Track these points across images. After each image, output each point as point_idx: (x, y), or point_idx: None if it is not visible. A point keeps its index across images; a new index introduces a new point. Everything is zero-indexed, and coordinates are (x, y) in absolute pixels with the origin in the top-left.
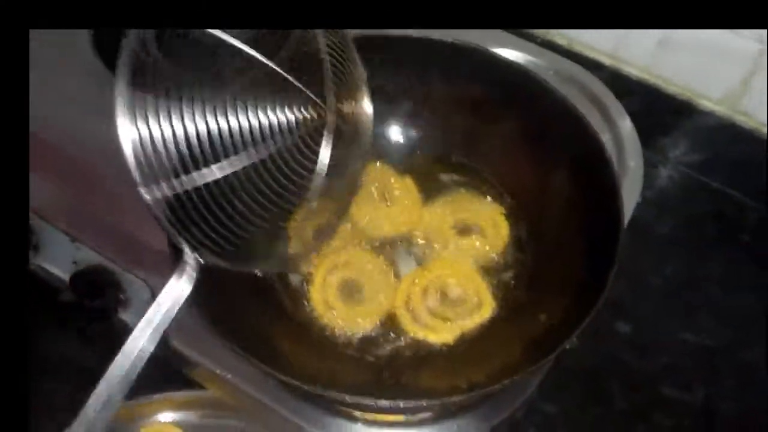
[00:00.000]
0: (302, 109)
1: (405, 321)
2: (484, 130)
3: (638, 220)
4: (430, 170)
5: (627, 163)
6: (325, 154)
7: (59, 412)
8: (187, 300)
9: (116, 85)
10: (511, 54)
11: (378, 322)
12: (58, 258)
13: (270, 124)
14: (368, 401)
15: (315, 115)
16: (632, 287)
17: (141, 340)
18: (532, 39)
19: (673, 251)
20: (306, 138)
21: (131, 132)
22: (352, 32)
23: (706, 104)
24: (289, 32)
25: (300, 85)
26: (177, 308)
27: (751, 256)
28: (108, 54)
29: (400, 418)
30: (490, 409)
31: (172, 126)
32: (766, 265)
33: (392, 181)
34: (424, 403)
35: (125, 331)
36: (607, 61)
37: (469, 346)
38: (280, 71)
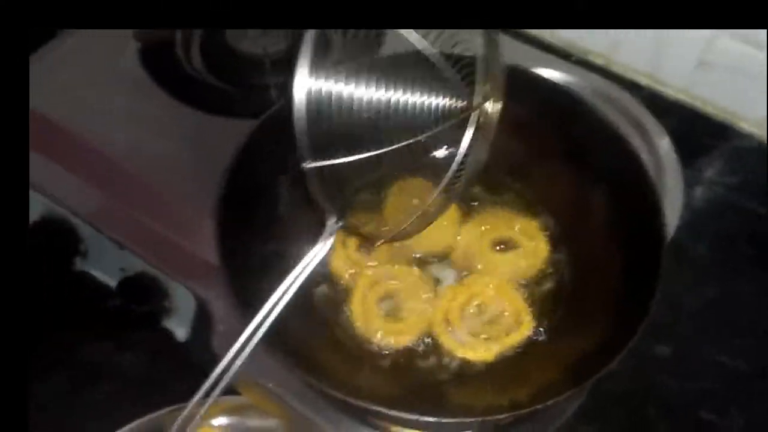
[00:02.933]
0: (454, 103)
1: (444, 338)
2: (524, 149)
3: (675, 240)
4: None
5: (667, 183)
6: (464, 144)
7: (101, 418)
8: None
9: (298, 61)
10: (547, 73)
11: (417, 338)
12: (106, 264)
13: (422, 114)
14: (410, 416)
15: (462, 109)
16: (670, 309)
17: (285, 293)
18: (567, 58)
19: (709, 273)
20: (448, 132)
21: (303, 106)
22: None
23: (744, 126)
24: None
25: (459, 80)
26: (315, 265)
27: None
28: (155, 67)
29: None
30: (528, 429)
31: (338, 106)
32: None
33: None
34: (465, 420)
35: (169, 339)
36: (644, 81)
37: (509, 364)
38: (443, 64)
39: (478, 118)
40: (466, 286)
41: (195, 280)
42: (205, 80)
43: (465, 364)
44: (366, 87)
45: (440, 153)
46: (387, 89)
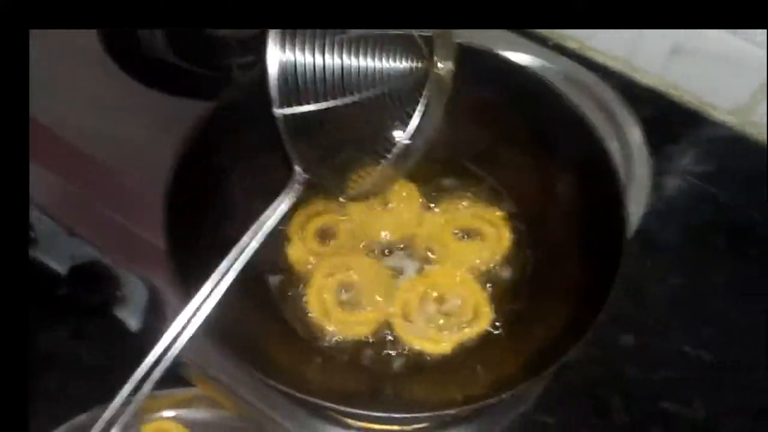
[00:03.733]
0: (412, 60)
1: (401, 330)
2: (489, 135)
3: (643, 230)
4: (432, 175)
5: (635, 172)
6: (423, 101)
7: (55, 407)
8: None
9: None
10: (519, 57)
11: (374, 329)
12: (56, 251)
13: (383, 68)
14: (362, 412)
15: (421, 67)
16: (636, 299)
17: (252, 240)
18: (542, 42)
19: (678, 263)
20: (408, 90)
21: (277, 56)
22: None
23: (717, 115)
24: None
25: (418, 38)
26: (282, 214)
27: (758, 270)
28: (116, 47)
29: (395, 427)
30: (487, 420)
31: (305, 57)
32: None
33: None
34: (418, 415)
35: (122, 328)
36: (618, 66)
37: (467, 356)
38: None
39: (432, 77)
40: (425, 276)
41: (147, 268)
42: (168, 61)
43: (421, 356)
44: (335, 49)
45: (399, 110)
46: (354, 51)
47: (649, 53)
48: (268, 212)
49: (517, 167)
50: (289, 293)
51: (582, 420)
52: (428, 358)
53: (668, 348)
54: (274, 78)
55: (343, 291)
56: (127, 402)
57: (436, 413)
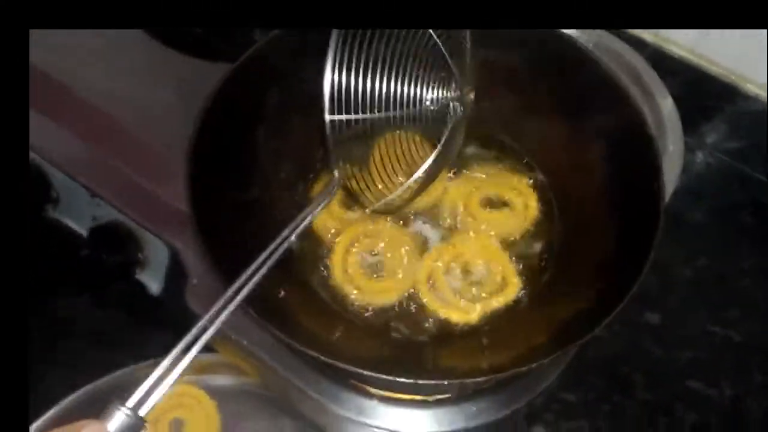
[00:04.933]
0: (443, 88)
1: (427, 298)
2: (517, 102)
3: (671, 207)
4: None
5: (666, 146)
6: (450, 125)
7: (73, 372)
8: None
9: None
10: None
11: (399, 298)
12: (77, 212)
13: (419, 93)
14: (387, 377)
15: (449, 95)
16: (662, 277)
17: (292, 234)
18: None
19: (706, 241)
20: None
21: (331, 74)
22: None
23: (751, 89)
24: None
25: (454, 70)
26: (321, 208)
27: None
28: None
29: (418, 397)
30: (510, 393)
31: (357, 76)
32: None
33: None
34: (443, 382)
35: (142, 292)
36: (649, 38)
37: (493, 327)
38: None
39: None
40: (452, 245)
41: (168, 230)
42: None
43: (447, 325)
44: (380, 72)
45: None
46: (396, 76)
47: None
48: (306, 211)
49: (546, 136)
50: (313, 259)
51: (604, 397)
52: (454, 326)
53: (694, 327)
54: (328, 87)
55: (368, 258)
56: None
57: (460, 381)
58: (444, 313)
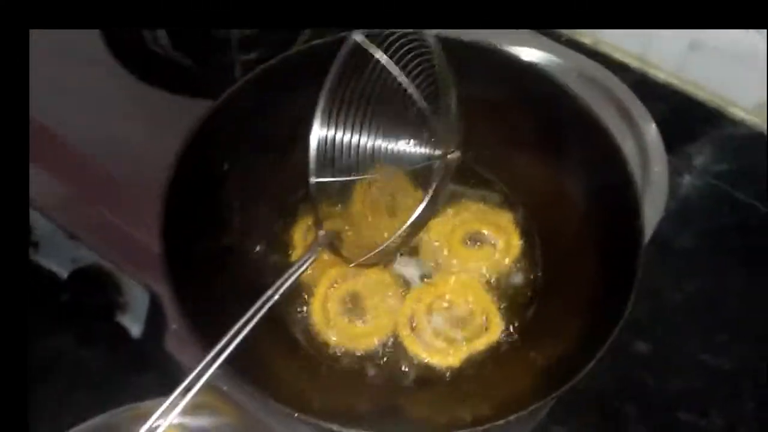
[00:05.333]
0: (430, 146)
1: (408, 342)
2: (499, 137)
3: (659, 231)
4: None
5: (651, 172)
6: (432, 185)
7: (57, 415)
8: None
9: (322, 92)
10: (533, 54)
11: (379, 342)
12: (57, 254)
13: (405, 150)
14: None
15: (434, 153)
16: (652, 304)
17: (276, 293)
18: (556, 38)
19: (695, 266)
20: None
21: (318, 132)
22: None
23: (737, 113)
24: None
25: (441, 130)
26: (306, 267)
27: None
28: (119, 46)
29: None
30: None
31: (343, 133)
32: None
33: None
34: None
35: (124, 334)
36: (634, 63)
37: (476, 371)
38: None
39: (445, 163)
40: (433, 285)
41: (146, 274)
42: (170, 58)
43: (428, 369)
44: (364, 134)
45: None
46: (378, 136)
47: (666, 49)
48: (292, 269)
49: (527, 171)
50: (292, 302)
51: (596, 431)
52: (436, 371)
53: (684, 356)
54: (314, 150)
55: (348, 301)
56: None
57: None
58: (425, 356)
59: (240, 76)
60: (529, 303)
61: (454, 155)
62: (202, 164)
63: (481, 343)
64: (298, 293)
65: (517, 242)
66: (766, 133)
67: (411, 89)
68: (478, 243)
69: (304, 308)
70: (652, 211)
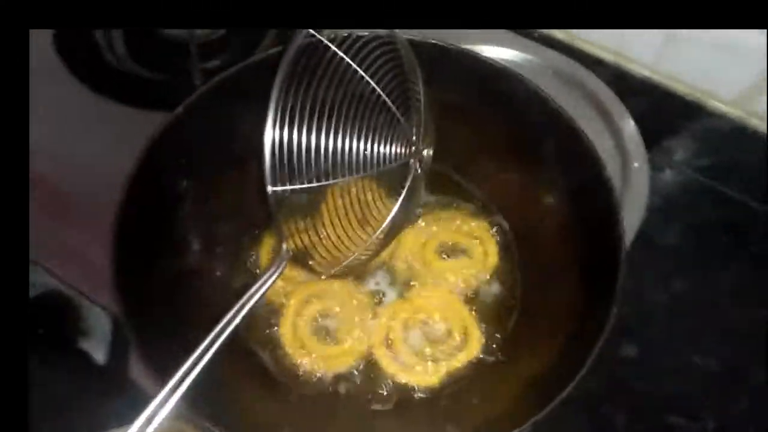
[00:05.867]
0: (400, 146)
1: (384, 362)
2: (471, 143)
3: (642, 229)
4: None
5: (631, 169)
6: (406, 186)
7: None
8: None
9: (272, 93)
10: (507, 52)
11: (354, 363)
12: None
13: (373, 153)
14: None
15: (406, 153)
16: (637, 305)
17: (237, 316)
18: (530, 35)
19: (679, 264)
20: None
21: (272, 136)
22: None
23: (717, 106)
24: (403, 80)
25: (411, 128)
26: (270, 285)
27: (763, 268)
28: (71, 55)
29: None
30: None
31: (300, 138)
32: None
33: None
34: None
35: (87, 361)
36: (610, 58)
37: (457, 388)
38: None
39: (418, 162)
40: (408, 300)
41: (106, 296)
42: (125, 67)
43: (405, 390)
44: (327, 138)
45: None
46: (344, 138)
47: (642, 43)
48: (254, 289)
49: (503, 178)
50: (261, 324)
51: None
52: (413, 393)
53: (673, 358)
54: (269, 156)
55: (320, 321)
56: None
57: None
58: (402, 377)
59: (200, 85)
60: (509, 315)
61: (426, 152)
62: (158, 182)
63: (461, 360)
64: (265, 314)
65: (494, 251)
66: (745, 125)
67: (374, 85)
68: (454, 254)
69: (274, 329)
70: (634, 211)
